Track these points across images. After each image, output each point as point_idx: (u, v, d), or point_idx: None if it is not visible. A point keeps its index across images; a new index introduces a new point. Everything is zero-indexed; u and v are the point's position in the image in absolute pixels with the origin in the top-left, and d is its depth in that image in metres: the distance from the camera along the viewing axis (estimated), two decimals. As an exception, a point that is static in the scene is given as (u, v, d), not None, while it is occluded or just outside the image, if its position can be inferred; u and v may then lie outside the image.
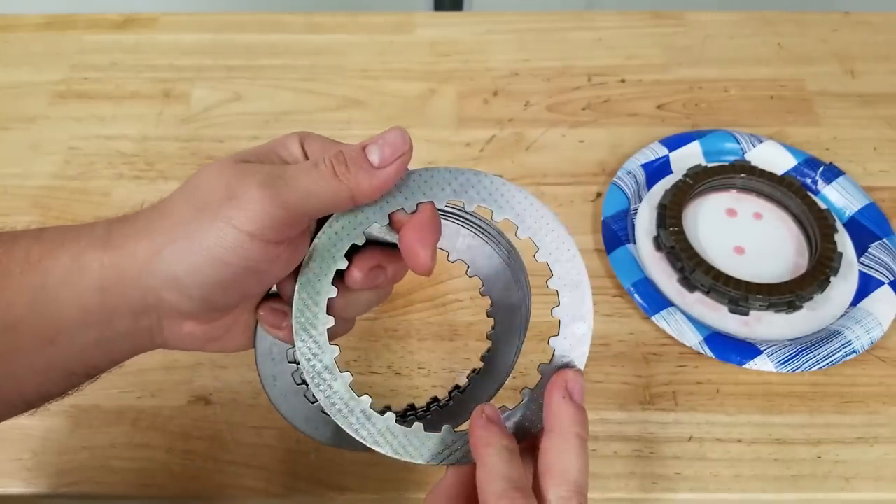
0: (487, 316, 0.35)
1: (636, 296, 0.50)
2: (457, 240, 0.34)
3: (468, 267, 0.35)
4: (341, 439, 0.32)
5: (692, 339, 0.48)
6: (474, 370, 0.36)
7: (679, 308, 0.49)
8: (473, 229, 0.34)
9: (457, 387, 0.37)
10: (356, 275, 0.30)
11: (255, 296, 0.31)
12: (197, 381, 0.47)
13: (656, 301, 0.50)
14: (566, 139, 0.61)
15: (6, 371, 0.28)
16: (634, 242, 0.53)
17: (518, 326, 0.35)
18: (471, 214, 0.33)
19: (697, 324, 0.49)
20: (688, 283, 0.51)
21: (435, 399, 0.37)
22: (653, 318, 0.49)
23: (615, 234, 0.53)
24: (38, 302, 0.27)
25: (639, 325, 0.50)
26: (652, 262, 0.52)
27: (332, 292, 0.30)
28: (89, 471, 0.44)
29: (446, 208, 0.33)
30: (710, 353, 0.47)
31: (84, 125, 0.61)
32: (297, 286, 0.30)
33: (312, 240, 0.30)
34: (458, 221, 0.34)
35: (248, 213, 0.26)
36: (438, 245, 0.31)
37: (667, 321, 0.49)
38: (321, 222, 0.30)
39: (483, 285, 0.35)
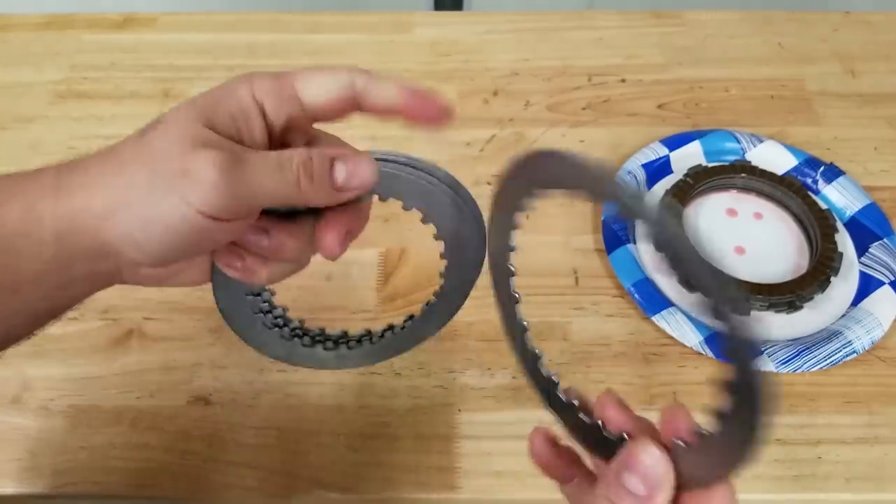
0: (441, 257, 0.35)
1: (636, 296, 0.50)
2: (399, 185, 0.33)
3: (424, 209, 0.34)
4: (292, 357, 0.36)
5: (692, 339, 0.48)
6: (427, 303, 0.37)
7: (679, 308, 0.49)
8: (410, 170, 0.33)
9: (411, 316, 0.37)
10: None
11: (209, 250, 0.31)
12: (196, 381, 0.47)
13: (656, 301, 0.49)
14: (566, 139, 0.61)
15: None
16: (634, 242, 0.53)
17: (468, 260, 0.35)
18: (407, 158, 0.32)
19: (698, 324, 0.49)
20: (688, 283, 0.51)
21: (390, 326, 0.37)
22: (653, 318, 0.49)
23: (615, 234, 0.53)
24: None
25: (639, 325, 0.50)
26: (652, 262, 0.52)
27: None
28: (88, 471, 0.44)
29: (383, 157, 0.32)
30: (710, 354, 0.47)
31: (83, 125, 0.61)
32: None
33: None
34: (393, 167, 0.33)
35: (200, 194, 0.26)
36: (385, 194, 0.31)
37: (667, 321, 0.48)
38: None
39: (436, 228, 0.34)
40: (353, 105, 0.31)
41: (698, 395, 0.47)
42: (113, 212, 0.27)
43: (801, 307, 0.50)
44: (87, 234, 0.27)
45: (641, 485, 0.26)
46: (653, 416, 0.46)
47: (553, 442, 0.31)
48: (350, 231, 0.31)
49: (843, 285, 0.51)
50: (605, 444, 0.29)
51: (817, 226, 0.53)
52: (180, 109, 0.29)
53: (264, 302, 0.35)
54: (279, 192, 0.28)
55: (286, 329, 0.35)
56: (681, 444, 0.27)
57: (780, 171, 0.57)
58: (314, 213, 0.30)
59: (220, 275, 0.32)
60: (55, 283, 0.28)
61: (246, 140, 0.29)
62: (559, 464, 0.30)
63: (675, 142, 0.58)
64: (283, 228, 0.30)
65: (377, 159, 0.31)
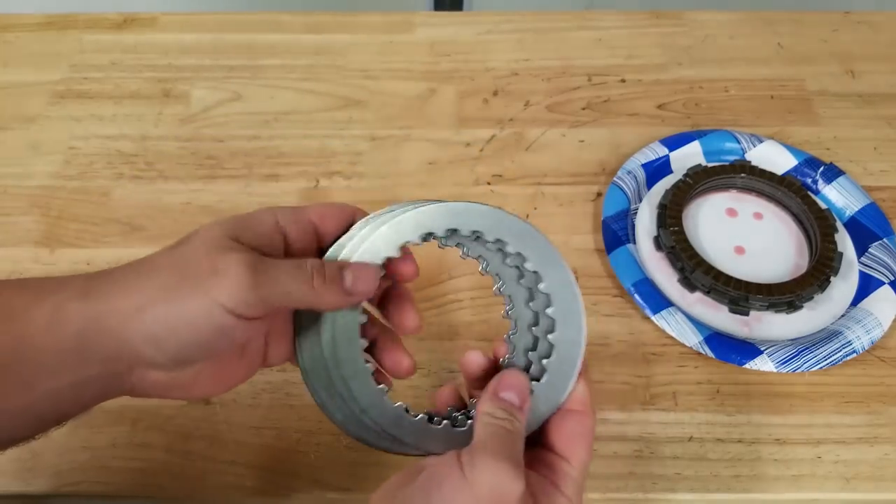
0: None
1: (636, 296, 0.50)
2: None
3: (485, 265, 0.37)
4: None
5: (692, 339, 0.48)
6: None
7: (679, 308, 0.49)
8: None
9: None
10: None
11: (224, 353, 0.33)
12: (197, 381, 0.47)
13: (656, 301, 0.49)
14: (566, 139, 0.61)
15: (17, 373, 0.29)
16: (634, 242, 0.53)
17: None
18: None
19: (698, 324, 0.49)
20: (688, 283, 0.51)
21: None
22: (653, 318, 0.49)
23: (615, 234, 0.53)
24: (21, 348, 0.29)
25: (639, 325, 0.50)
26: (652, 262, 0.52)
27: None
28: (89, 471, 0.44)
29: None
30: (710, 353, 0.47)
31: (84, 125, 0.61)
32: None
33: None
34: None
35: (228, 290, 0.29)
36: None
37: (667, 321, 0.48)
38: None
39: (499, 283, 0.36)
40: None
41: (698, 394, 0.47)
42: (140, 310, 0.29)
43: (800, 307, 0.50)
44: (109, 333, 0.29)
45: (516, 397, 0.32)
46: (652, 416, 0.46)
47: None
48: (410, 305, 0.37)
49: (843, 285, 0.51)
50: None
51: (817, 226, 0.53)
52: (211, 226, 0.31)
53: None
54: (297, 290, 0.31)
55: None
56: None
57: (779, 171, 0.57)
58: None
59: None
60: (68, 381, 0.30)
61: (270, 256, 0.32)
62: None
63: (674, 142, 0.58)
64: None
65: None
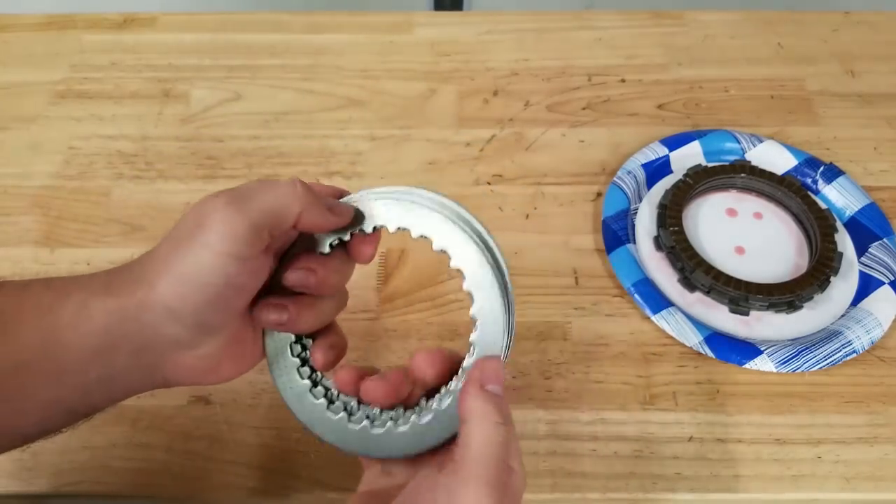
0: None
1: (636, 296, 0.50)
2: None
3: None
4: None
5: (692, 339, 0.48)
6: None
7: (679, 308, 0.49)
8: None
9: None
10: (289, 276, 0.33)
11: (241, 310, 0.33)
12: (197, 381, 0.47)
13: (656, 301, 0.49)
14: (566, 139, 0.61)
15: (14, 408, 0.30)
16: (634, 242, 0.53)
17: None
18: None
19: (698, 324, 0.49)
20: (688, 283, 0.51)
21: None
22: (653, 318, 0.49)
23: (615, 233, 0.53)
24: (49, 343, 0.30)
25: (639, 325, 0.50)
26: (652, 262, 0.52)
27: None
28: (89, 471, 0.44)
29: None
30: (710, 353, 0.47)
31: (84, 125, 0.61)
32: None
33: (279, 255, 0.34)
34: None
35: (217, 233, 0.29)
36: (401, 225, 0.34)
37: (667, 321, 0.48)
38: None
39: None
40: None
41: (698, 394, 0.47)
42: (152, 289, 0.30)
43: (800, 307, 0.50)
44: (133, 324, 0.30)
45: (499, 387, 0.31)
46: (652, 416, 0.46)
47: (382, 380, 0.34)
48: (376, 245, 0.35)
49: (843, 285, 0.51)
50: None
51: (817, 226, 0.53)
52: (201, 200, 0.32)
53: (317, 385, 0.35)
54: (282, 203, 0.31)
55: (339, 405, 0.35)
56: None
57: (779, 171, 0.57)
58: (343, 247, 0.34)
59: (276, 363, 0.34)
60: (96, 375, 0.31)
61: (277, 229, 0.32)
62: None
63: (674, 142, 0.58)
64: (323, 265, 0.33)
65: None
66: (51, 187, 0.57)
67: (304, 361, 0.35)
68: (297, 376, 0.35)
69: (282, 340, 0.35)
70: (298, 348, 0.35)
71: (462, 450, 0.29)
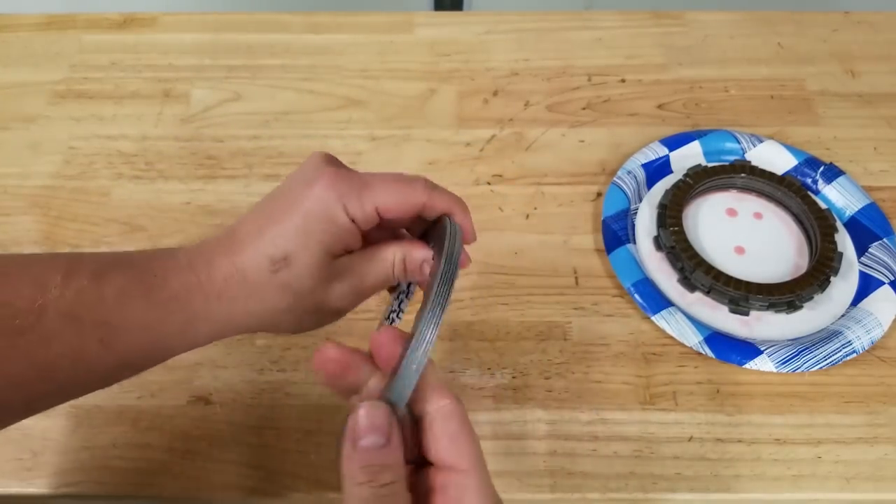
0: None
1: (636, 296, 0.50)
2: None
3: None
4: None
5: (692, 339, 0.48)
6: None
7: (679, 308, 0.49)
8: None
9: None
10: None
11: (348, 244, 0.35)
12: (197, 381, 0.47)
13: (656, 301, 0.50)
14: (566, 139, 0.61)
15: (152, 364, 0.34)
16: (634, 242, 0.53)
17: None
18: None
19: (697, 324, 0.49)
20: (688, 283, 0.51)
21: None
22: (653, 318, 0.49)
23: (615, 233, 0.53)
24: (190, 293, 0.33)
25: (639, 325, 0.50)
26: (652, 262, 0.52)
27: None
28: (89, 471, 0.44)
29: None
30: (710, 353, 0.47)
31: (84, 125, 0.61)
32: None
33: None
34: None
35: (324, 180, 0.33)
36: None
37: (667, 321, 0.49)
38: None
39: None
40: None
41: (698, 394, 0.47)
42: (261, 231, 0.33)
43: (800, 307, 0.50)
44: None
45: (381, 436, 0.30)
46: (652, 416, 0.46)
47: (343, 347, 0.33)
48: None
49: (843, 285, 0.51)
50: None
51: (817, 226, 0.53)
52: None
53: None
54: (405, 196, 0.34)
55: None
56: None
57: (779, 171, 0.57)
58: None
59: None
60: (223, 325, 0.34)
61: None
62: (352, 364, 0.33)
63: (674, 142, 0.58)
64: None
65: None
66: (50, 187, 0.57)
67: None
68: None
69: None
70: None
71: None
